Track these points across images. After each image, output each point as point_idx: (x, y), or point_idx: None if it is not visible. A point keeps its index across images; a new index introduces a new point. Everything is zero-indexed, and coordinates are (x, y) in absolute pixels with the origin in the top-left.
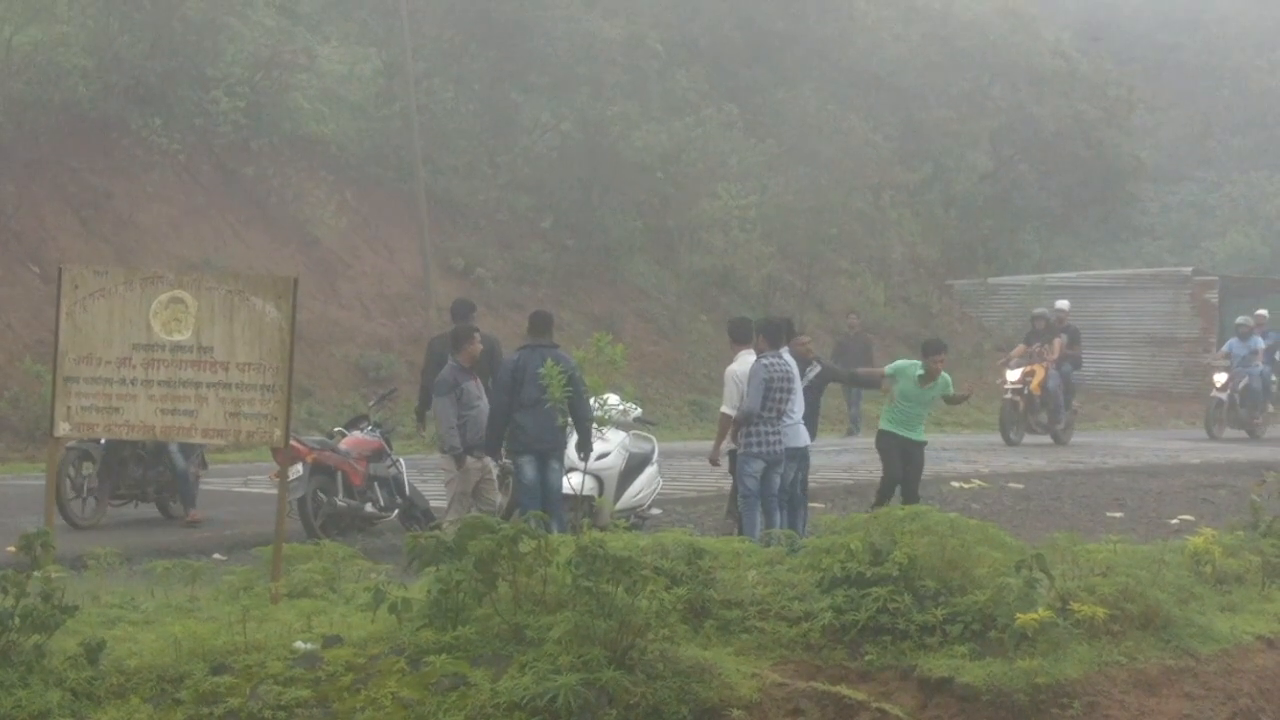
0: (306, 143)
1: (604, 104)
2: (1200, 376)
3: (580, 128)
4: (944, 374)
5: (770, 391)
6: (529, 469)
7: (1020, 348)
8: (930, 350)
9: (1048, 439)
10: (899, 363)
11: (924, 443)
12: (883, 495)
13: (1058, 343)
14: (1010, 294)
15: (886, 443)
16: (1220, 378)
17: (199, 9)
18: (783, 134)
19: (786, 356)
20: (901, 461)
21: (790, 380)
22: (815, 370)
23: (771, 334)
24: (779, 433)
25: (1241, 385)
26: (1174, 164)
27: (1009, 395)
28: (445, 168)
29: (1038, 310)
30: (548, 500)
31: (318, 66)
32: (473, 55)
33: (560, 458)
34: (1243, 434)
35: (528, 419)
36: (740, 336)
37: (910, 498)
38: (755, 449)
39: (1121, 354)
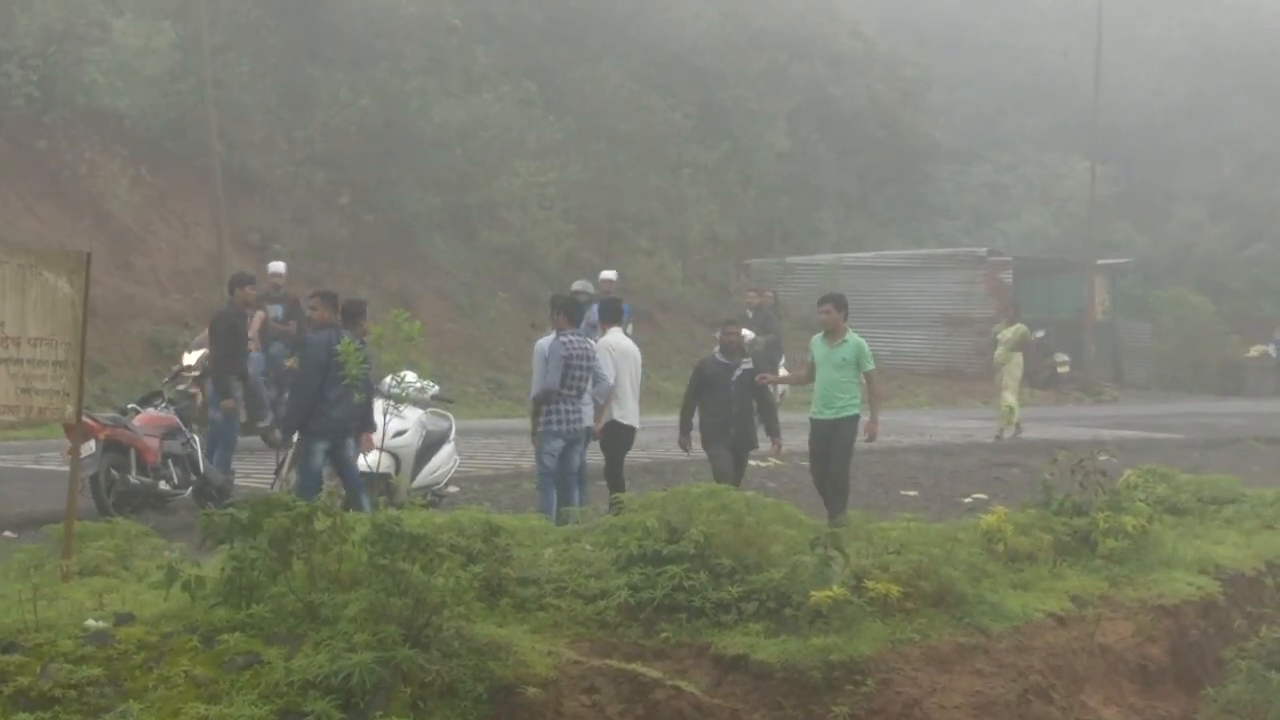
0: (100, 116)
1: (402, 79)
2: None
3: (378, 103)
4: (857, 338)
5: (570, 369)
6: (321, 454)
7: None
8: (821, 301)
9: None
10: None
11: (849, 418)
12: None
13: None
14: (807, 273)
15: (815, 430)
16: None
17: None
18: (581, 112)
19: (615, 338)
20: (820, 445)
21: (589, 359)
22: (749, 363)
23: (572, 313)
24: (579, 411)
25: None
26: (969, 144)
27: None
28: (241, 143)
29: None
30: (352, 479)
31: (112, 40)
32: (270, 29)
33: (353, 434)
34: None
35: (336, 400)
36: (611, 316)
37: (838, 483)
38: (555, 427)
39: (917, 333)
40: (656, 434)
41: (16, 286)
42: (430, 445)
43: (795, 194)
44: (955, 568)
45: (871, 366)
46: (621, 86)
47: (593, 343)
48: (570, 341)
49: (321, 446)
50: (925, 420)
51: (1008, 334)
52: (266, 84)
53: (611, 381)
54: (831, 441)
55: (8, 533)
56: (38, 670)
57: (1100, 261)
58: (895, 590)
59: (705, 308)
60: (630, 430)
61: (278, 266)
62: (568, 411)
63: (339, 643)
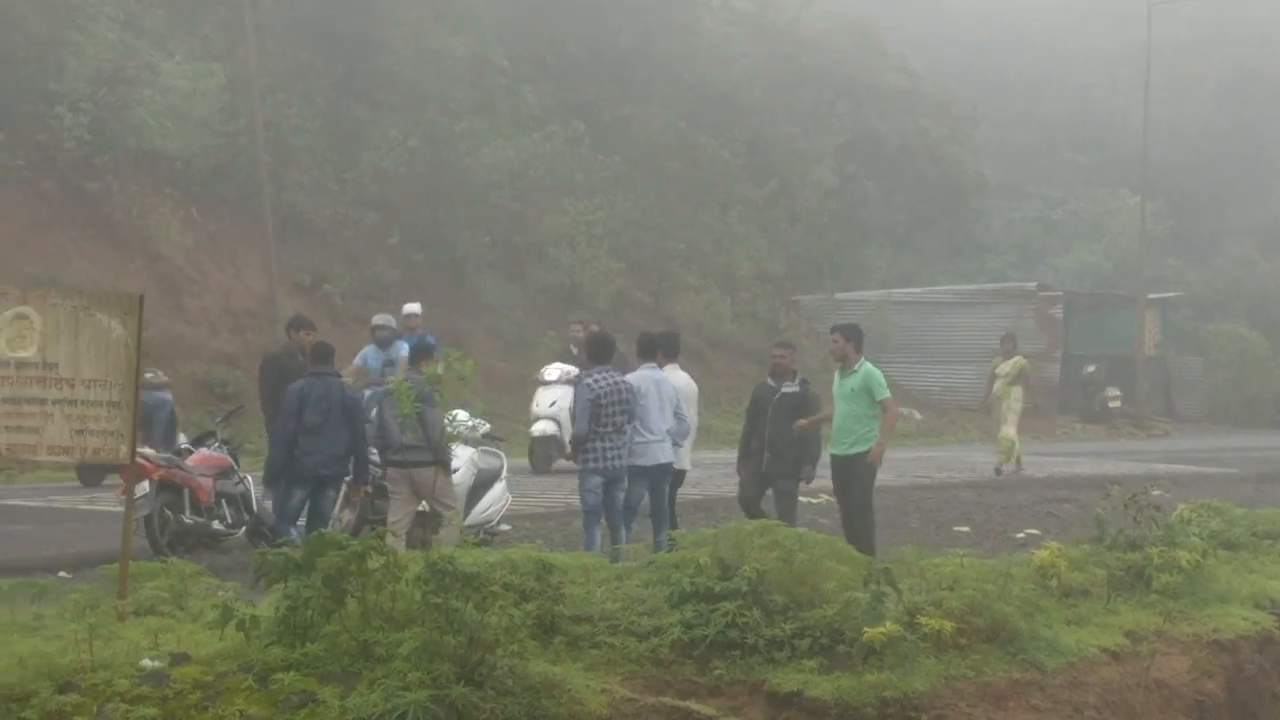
0: (151, 158)
1: (451, 120)
2: (1042, 391)
3: (428, 144)
4: (869, 367)
5: (599, 410)
6: (297, 498)
7: None
8: (831, 330)
9: None
10: None
11: (861, 454)
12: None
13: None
14: (856, 309)
15: (833, 468)
16: None
17: (41, 24)
18: (630, 150)
19: (649, 373)
20: (843, 483)
21: (621, 393)
22: (794, 387)
23: (596, 353)
24: (619, 448)
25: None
26: (1018, 180)
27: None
28: (291, 184)
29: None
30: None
31: (162, 82)
32: (319, 71)
33: (337, 486)
34: None
35: (310, 449)
36: (670, 351)
37: (863, 522)
38: (593, 464)
39: (967, 369)
40: (707, 471)
41: (70, 329)
42: (482, 483)
43: (843, 230)
44: (1009, 603)
45: (884, 395)
46: (669, 125)
47: (629, 379)
48: (596, 381)
49: (298, 492)
50: (977, 456)
51: (1006, 367)
52: (316, 126)
53: (690, 423)
54: (848, 480)
55: (63, 573)
56: (94, 710)
57: (1151, 296)
58: (949, 626)
59: (754, 345)
60: (681, 473)
61: (412, 307)
62: (604, 449)
63: (393, 681)
